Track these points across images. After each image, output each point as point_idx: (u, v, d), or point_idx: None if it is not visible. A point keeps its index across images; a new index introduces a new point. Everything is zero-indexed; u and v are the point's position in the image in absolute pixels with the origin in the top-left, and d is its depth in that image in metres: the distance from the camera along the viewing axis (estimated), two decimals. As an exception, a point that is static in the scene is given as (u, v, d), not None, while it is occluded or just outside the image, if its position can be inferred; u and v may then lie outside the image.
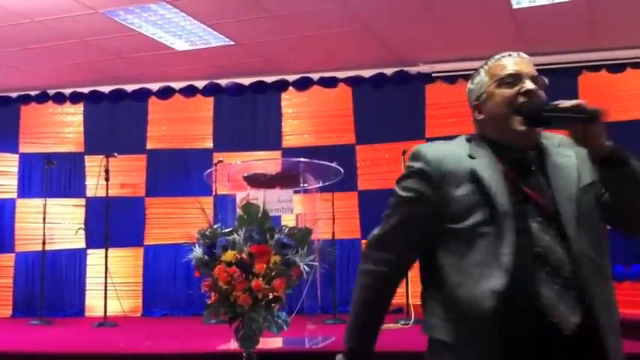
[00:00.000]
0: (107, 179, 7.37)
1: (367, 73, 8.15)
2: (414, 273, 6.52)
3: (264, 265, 4.26)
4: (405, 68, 8.02)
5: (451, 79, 7.86)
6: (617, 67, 7.56)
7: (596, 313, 1.59)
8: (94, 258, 8.24)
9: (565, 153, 1.76)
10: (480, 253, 1.64)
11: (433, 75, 7.92)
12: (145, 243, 8.36)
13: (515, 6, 6.22)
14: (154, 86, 8.59)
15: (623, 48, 7.38)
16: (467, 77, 8.33)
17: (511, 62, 1.83)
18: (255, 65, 7.93)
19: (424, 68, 7.93)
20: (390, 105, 8.03)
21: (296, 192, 5.54)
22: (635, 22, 6.70)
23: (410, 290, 6.45)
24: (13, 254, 8.58)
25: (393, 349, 4.59)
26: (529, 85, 1.77)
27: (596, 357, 1.58)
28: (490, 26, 6.74)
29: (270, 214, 4.76)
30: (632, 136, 7.35)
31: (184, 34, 6.89)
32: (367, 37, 7.05)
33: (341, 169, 5.44)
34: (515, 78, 1.79)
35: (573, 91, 7.65)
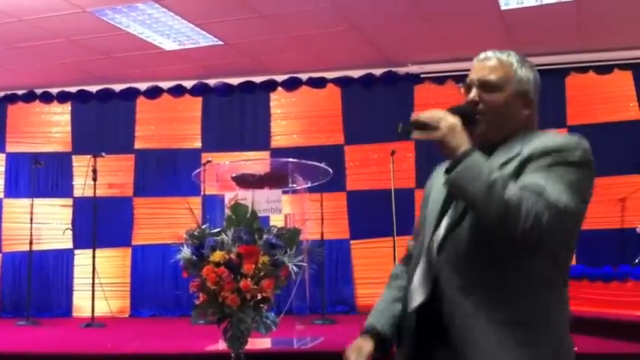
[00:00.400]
0: (95, 179, 7.33)
1: (356, 74, 8.15)
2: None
3: (253, 266, 4.25)
4: (394, 69, 8.04)
5: (440, 80, 7.88)
6: (604, 69, 7.60)
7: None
8: (82, 258, 8.19)
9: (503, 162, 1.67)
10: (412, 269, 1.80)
11: (422, 76, 7.94)
12: (133, 243, 8.33)
13: (503, 7, 6.25)
14: (142, 86, 8.55)
15: (611, 49, 7.43)
16: (456, 78, 8.40)
17: (472, 69, 1.81)
18: (244, 65, 7.91)
19: (413, 69, 7.94)
20: (379, 105, 8.03)
21: (285, 192, 5.54)
22: (623, 24, 6.75)
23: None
24: (0, 254, 8.52)
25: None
26: (471, 95, 1.75)
27: None
28: (478, 27, 6.76)
29: (259, 215, 4.75)
30: (619, 137, 7.45)
31: (172, 34, 6.86)
32: (356, 38, 7.06)
33: (330, 170, 5.44)
34: (468, 88, 1.78)
35: (561, 92, 7.71)
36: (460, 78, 8.80)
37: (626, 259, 6.35)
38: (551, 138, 1.65)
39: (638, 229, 6.12)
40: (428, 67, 7.86)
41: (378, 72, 8.11)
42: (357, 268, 7.88)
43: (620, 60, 7.51)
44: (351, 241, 7.93)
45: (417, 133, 1.66)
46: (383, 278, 7.65)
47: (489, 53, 1.82)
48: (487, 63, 1.78)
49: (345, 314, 7.51)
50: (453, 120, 1.61)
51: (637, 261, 6.17)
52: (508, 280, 1.61)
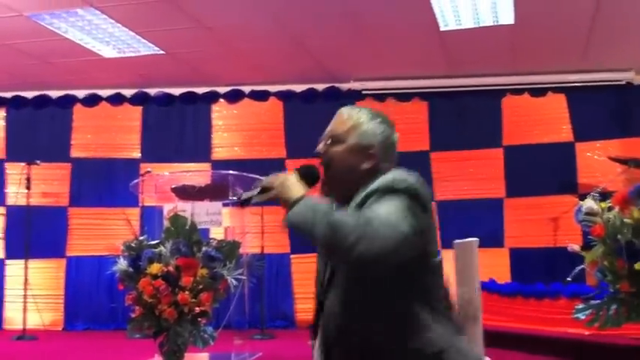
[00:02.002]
0: (28, 187, 7.14)
1: (299, 88, 8.20)
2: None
3: (191, 279, 4.22)
4: (336, 84, 8.11)
5: (381, 97, 7.99)
6: (539, 91, 7.87)
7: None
8: (13, 269, 7.92)
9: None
10: None
11: (363, 92, 8.03)
12: (68, 254, 8.11)
13: (442, 28, 6.40)
14: (80, 93, 8.38)
15: (545, 73, 7.71)
16: (396, 96, 8.53)
17: None
18: (185, 75, 7.85)
19: (355, 85, 8.03)
20: (322, 120, 7.89)
21: (225, 205, 5.51)
22: (556, 48, 7.00)
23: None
24: None
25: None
26: (318, 147, 1.93)
27: None
28: (418, 46, 6.90)
29: (199, 227, 4.73)
30: (552, 158, 7.70)
31: (112, 41, 6.76)
32: (299, 52, 7.10)
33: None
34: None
35: (497, 113, 7.93)
36: (401, 96, 9.00)
37: (558, 276, 6.54)
38: (385, 176, 1.74)
39: (569, 248, 6.31)
40: (369, 84, 7.97)
41: (320, 87, 8.17)
42: (297, 282, 7.87)
43: (554, 83, 7.79)
44: (292, 256, 7.93)
45: (257, 197, 1.80)
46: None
47: (344, 109, 1.96)
48: (339, 117, 1.94)
49: (284, 329, 7.49)
50: (285, 176, 1.76)
51: (569, 279, 6.36)
52: (364, 311, 1.71)
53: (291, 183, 1.75)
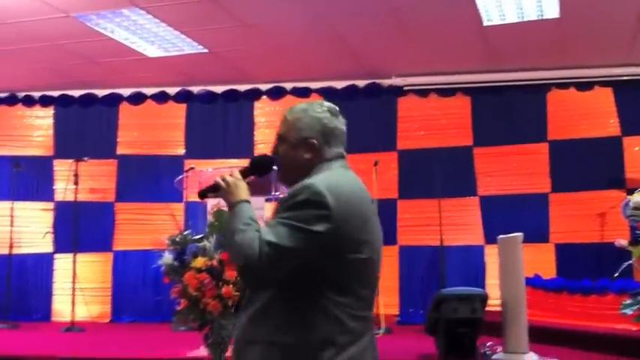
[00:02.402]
0: (76, 183, 7.31)
1: (340, 85, 8.21)
2: (385, 282, 6.61)
3: (235, 273, 4.26)
4: (378, 81, 8.10)
5: (423, 93, 7.96)
6: (585, 85, 7.72)
7: None
8: (62, 262, 8.14)
9: None
10: None
11: (405, 88, 8.01)
12: (114, 248, 8.29)
13: (485, 23, 6.34)
14: (126, 91, 8.54)
15: (592, 67, 7.56)
16: (439, 91, 8.46)
17: None
18: (228, 73, 7.93)
19: (396, 81, 8.01)
20: (362, 117, 8.07)
21: (267, 200, 5.55)
22: (603, 42, 6.87)
23: (380, 300, 6.51)
24: (-21, 258, 8.44)
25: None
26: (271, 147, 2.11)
27: None
28: (461, 42, 6.85)
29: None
30: (599, 153, 7.56)
31: (157, 41, 6.87)
32: (339, 49, 7.11)
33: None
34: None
35: (542, 108, 7.81)
36: (443, 91, 8.89)
37: (605, 272, 6.44)
38: (294, 187, 1.90)
39: (617, 243, 6.21)
40: (411, 79, 7.93)
41: (361, 83, 8.17)
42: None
43: (601, 77, 7.64)
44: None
45: (210, 193, 2.02)
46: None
47: (287, 110, 2.13)
48: (283, 118, 2.12)
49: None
50: (233, 180, 1.98)
51: (616, 274, 6.25)
52: (266, 307, 1.86)
53: (236, 186, 1.97)
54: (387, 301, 7.16)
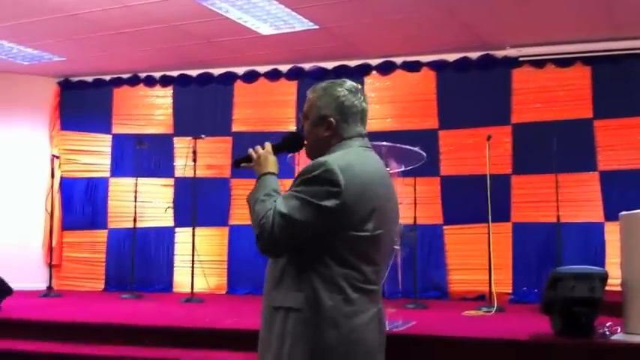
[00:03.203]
0: (195, 160, 7.60)
1: (451, 57, 8.04)
2: (498, 260, 6.45)
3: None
4: (491, 52, 7.87)
5: (539, 64, 7.65)
6: None
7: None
8: (182, 236, 8.53)
9: None
10: None
11: (520, 59, 7.73)
12: (230, 223, 8.59)
13: (609, -14, 6.00)
14: (240, 70, 8.77)
15: None
16: (556, 61, 8.08)
17: None
18: (339, 49, 7.96)
19: (511, 52, 7.74)
20: (475, 90, 7.91)
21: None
22: None
23: (492, 277, 6.40)
24: (106, 230, 9.00)
25: (476, 335, 4.58)
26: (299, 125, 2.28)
27: None
28: (580, 9, 6.51)
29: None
30: None
31: (269, 19, 6.98)
32: (451, 21, 6.96)
33: (424, 154, 5.41)
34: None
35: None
36: (561, 61, 8.49)
37: None
38: (310, 163, 2.06)
39: None
40: (527, 49, 7.64)
41: (474, 55, 7.97)
42: (450, 253, 7.81)
43: None
44: (445, 227, 7.87)
45: (244, 165, 2.28)
46: (477, 265, 7.64)
47: (309, 90, 2.30)
48: (307, 98, 2.28)
49: (437, 299, 7.47)
50: (264, 152, 2.20)
51: None
52: (283, 275, 2.06)
53: (265, 159, 2.20)
54: (500, 279, 7.01)
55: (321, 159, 2.02)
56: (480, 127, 7.53)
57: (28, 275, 8.34)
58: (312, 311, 1.97)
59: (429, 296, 7.45)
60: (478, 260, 7.11)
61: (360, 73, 8.37)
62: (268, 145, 2.24)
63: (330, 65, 8.46)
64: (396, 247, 4.01)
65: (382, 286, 4.99)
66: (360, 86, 2.27)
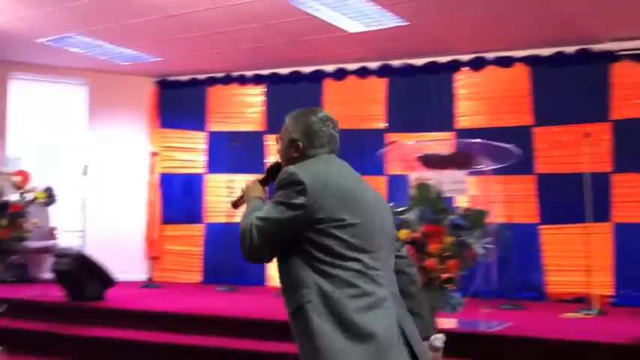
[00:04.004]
0: (284, 157, 7.70)
1: (546, 52, 7.82)
2: (598, 261, 6.27)
3: (438, 245, 4.30)
4: (588, 46, 7.60)
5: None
6: None
7: None
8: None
9: None
10: None
11: (620, 53, 7.43)
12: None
13: None
14: (329, 68, 8.84)
15: None
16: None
17: None
18: (428, 45, 7.89)
19: (611, 46, 7.44)
20: (571, 85, 7.66)
21: (470, 173, 5.50)
22: None
23: (592, 279, 6.21)
24: (203, 225, 9.29)
25: (577, 338, 4.46)
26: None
27: None
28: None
29: (443, 195, 4.78)
30: None
31: (359, 16, 7.00)
32: (545, 14, 6.76)
33: (519, 152, 5.31)
34: None
35: None
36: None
37: None
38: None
39: None
40: (627, 43, 7.34)
41: (569, 50, 7.72)
42: (547, 254, 7.58)
43: None
44: (541, 226, 7.66)
45: (240, 202, 2.51)
46: (575, 266, 7.43)
47: (287, 115, 2.55)
48: (284, 122, 2.52)
49: (533, 301, 7.26)
50: (250, 184, 2.49)
51: None
52: (285, 282, 2.23)
53: (251, 189, 2.47)
54: (600, 281, 6.77)
55: (286, 168, 2.29)
56: (577, 124, 7.30)
57: (130, 267, 8.72)
58: (320, 300, 2.11)
59: (525, 297, 7.26)
60: (576, 261, 6.90)
61: (450, 69, 8.27)
62: (255, 180, 2.53)
63: (419, 62, 8.40)
64: (490, 246, 3.95)
65: (476, 285, 4.86)
66: (331, 115, 2.51)
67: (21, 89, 9.12)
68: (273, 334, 5.19)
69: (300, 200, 2.16)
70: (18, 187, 7.08)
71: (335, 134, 2.49)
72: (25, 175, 7.51)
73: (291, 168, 2.26)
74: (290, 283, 2.19)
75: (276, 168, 2.50)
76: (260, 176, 2.54)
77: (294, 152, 2.41)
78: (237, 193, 2.53)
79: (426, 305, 2.42)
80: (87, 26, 7.41)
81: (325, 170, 2.29)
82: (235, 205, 2.55)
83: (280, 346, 4.95)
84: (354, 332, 2.05)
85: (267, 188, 2.49)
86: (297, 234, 2.17)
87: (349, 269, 2.13)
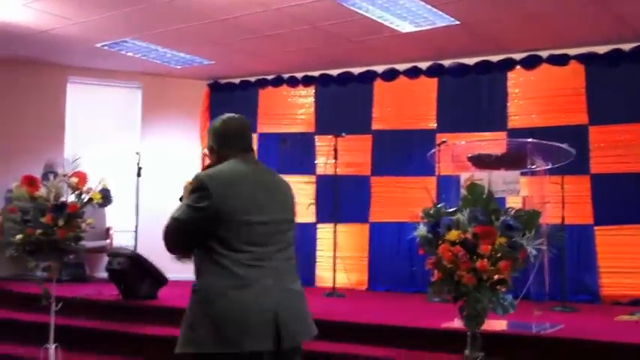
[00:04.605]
0: (335, 158, 7.73)
1: (601, 50, 7.63)
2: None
3: (489, 247, 4.23)
4: (646, 43, 7.39)
5: None
6: None
7: None
8: (324, 232, 8.72)
9: None
10: None
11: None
12: (370, 220, 8.66)
13: None
14: (379, 68, 8.82)
15: None
16: None
17: None
18: (480, 44, 7.79)
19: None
20: (628, 83, 7.45)
21: (522, 174, 5.41)
22: None
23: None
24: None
25: (631, 341, 4.35)
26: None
27: None
28: None
29: (495, 196, 4.71)
30: None
31: (409, 16, 6.97)
32: (600, 12, 6.60)
33: (573, 151, 5.20)
34: None
35: None
36: None
37: None
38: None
39: None
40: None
41: (626, 47, 7.51)
42: (601, 255, 7.39)
43: None
44: (596, 227, 7.48)
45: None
46: (630, 267, 7.26)
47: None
48: None
49: (587, 303, 7.09)
50: (186, 184, 2.73)
51: None
52: (196, 266, 2.66)
53: (185, 189, 2.72)
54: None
55: (197, 174, 2.66)
56: (633, 123, 7.11)
57: (183, 266, 8.82)
58: (206, 288, 2.56)
59: (578, 300, 7.11)
60: (632, 263, 6.72)
61: (502, 68, 8.16)
62: (188, 184, 2.79)
63: (471, 61, 8.30)
64: (543, 247, 3.87)
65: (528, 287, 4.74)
66: (237, 115, 2.85)
67: (78, 92, 9.38)
68: (327, 334, 5.19)
69: (204, 204, 2.55)
70: (75, 188, 7.27)
71: (243, 131, 2.83)
72: (82, 177, 7.69)
73: (200, 174, 2.63)
74: (197, 269, 2.63)
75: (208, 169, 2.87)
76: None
77: (214, 157, 2.82)
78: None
79: None
80: (142, 31, 7.57)
81: (229, 175, 2.64)
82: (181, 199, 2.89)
83: (334, 347, 4.96)
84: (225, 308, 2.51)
85: None
86: (203, 231, 2.56)
87: (240, 261, 2.54)
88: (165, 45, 8.15)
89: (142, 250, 7.16)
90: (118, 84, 9.58)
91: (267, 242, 2.62)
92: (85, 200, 6.96)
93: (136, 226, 7.99)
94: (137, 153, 8.21)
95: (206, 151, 2.94)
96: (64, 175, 5.47)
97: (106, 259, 7.38)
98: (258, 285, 2.54)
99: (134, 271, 6.63)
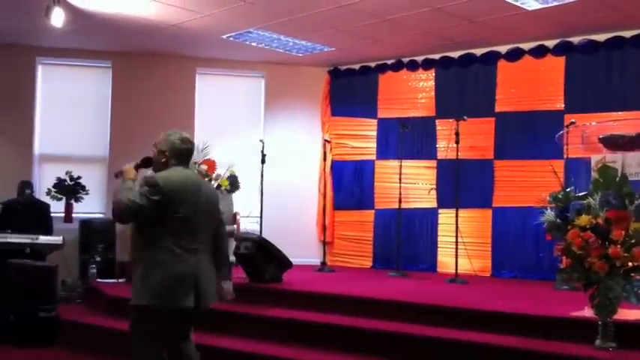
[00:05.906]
0: (457, 142, 7.61)
1: None
2: None
3: (623, 232, 4.06)
4: None
5: None
6: None
7: None
8: (445, 217, 8.62)
9: None
10: None
11: None
12: (494, 205, 8.47)
13: None
14: (503, 48, 8.56)
15: None
16: None
17: None
18: (611, 18, 7.37)
19: None
20: None
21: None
22: None
23: None
24: (373, 211, 9.43)
25: None
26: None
27: None
28: None
29: (630, 179, 4.50)
30: None
31: (536, -7, 6.71)
32: None
33: None
34: None
35: None
36: None
37: None
38: (151, 175, 3.66)
39: None
40: None
41: None
42: None
43: None
44: None
45: (120, 176, 3.70)
46: None
47: (162, 133, 3.86)
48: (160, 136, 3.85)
49: None
50: (127, 168, 3.70)
51: None
52: (138, 243, 3.65)
53: (127, 170, 3.68)
54: None
55: (155, 174, 3.63)
56: None
57: (305, 251, 9.08)
58: (150, 261, 3.53)
59: None
60: None
61: (635, 44, 7.66)
62: (131, 164, 3.72)
63: (601, 37, 7.87)
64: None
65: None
66: (189, 136, 3.79)
67: (205, 83, 9.77)
68: (451, 321, 5.17)
69: (155, 197, 3.49)
70: (204, 175, 7.62)
71: (190, 150, 3.80)
72: (211, 164, 8.06)
73: (158, 174, 3.60)
74: (137, 243, 3.61)
75: (147, 160, 3.79)
76: (135, 163, 3.74)
77: (162, 159, 3.72)
78: (121, 169, 3.69)
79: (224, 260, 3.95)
80: (265, 21, 7.77)
81: (175, 178, 3.60)
82: (116, 176, 3.73)
83: (452, 333, 4.93)
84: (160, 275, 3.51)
85: (138, 172, 3.70)
86: (152, 216, 3.49)
87: (177, 243, 3.53)
88: (288, 34, 8.32)
89: (265, 235, 7.40)
90: (242, 74, 9.89)
91: (197, 231, 3.62)
92: (215, 186, 7.28)
93: (261, 212, 8.25)
94: (261, 140, 8.46)
95: (154, 143, 3.80)
96: (195, 163, 5.76)
97: (233, 243, 7.68)
98: (189, 261, 3.54)
99: (260, 255, 6.85)
